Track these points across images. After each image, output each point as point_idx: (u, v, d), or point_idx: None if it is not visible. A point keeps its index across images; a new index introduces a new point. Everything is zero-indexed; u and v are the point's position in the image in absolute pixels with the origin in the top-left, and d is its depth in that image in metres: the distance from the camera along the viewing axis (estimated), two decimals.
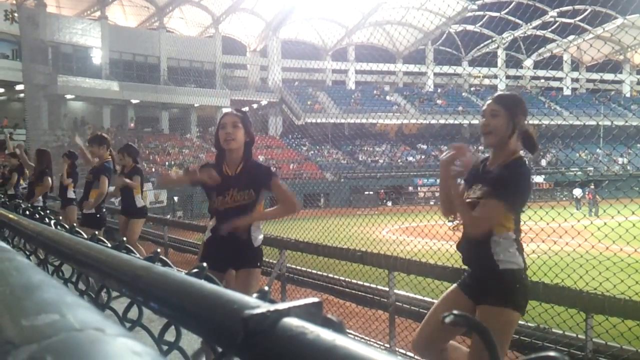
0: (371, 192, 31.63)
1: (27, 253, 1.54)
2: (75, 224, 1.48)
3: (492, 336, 0.47)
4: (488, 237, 2.62)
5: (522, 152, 2.78)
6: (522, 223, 2.72)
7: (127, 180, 6.29)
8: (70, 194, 7.55)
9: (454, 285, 2.86)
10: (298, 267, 6.26)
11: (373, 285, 5.18)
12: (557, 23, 43.27)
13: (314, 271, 6.06)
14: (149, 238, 9.70)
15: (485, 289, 2.63)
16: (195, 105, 38.36)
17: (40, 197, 7.76)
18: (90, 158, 6.20)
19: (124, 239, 1.11)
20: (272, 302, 0.46)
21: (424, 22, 38.52)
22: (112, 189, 6.79)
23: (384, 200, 33.23)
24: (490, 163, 2.72)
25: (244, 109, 3.60)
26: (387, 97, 44.77)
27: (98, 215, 6.03)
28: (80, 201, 6.41)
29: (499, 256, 2.60)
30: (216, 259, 3.11)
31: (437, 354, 2.73)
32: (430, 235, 7.92)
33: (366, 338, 5.21)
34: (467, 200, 2.69)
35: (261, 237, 3.37)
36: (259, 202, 3.34)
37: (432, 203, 23.19)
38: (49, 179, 7.70)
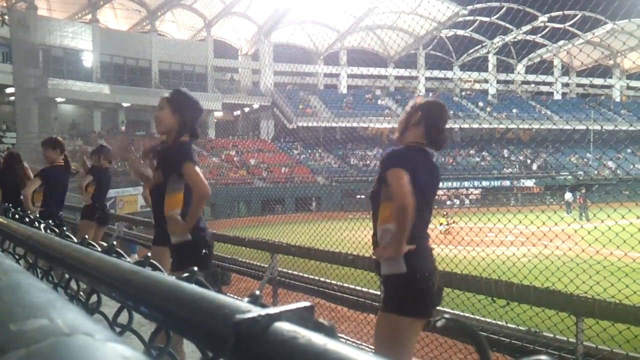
0: (363, 196, 31.63)
1: (17, 257, 1.53)
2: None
3: (482, 339, 0.47)
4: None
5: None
6: (433, 227, 2.71)
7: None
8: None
9: None
10: (289, 271, 6.23)
11: (365, 289, 5.18)
12: (548, 28, 43.63)
13: (305, 275, 6.04)
14: (140, 242, 9.64)
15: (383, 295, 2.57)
16: None
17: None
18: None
19: (114, 243, 1.10)
20: (264, 306, 0.46)
21: (415, 26, 38.73)
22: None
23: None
24: None
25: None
26: (379, 101, 44.91)
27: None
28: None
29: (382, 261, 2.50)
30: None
31: None
32: None
33: (358, 342, 5.20)
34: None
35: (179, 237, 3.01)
36: (170, 189, 3.02)
37: None
38: None
